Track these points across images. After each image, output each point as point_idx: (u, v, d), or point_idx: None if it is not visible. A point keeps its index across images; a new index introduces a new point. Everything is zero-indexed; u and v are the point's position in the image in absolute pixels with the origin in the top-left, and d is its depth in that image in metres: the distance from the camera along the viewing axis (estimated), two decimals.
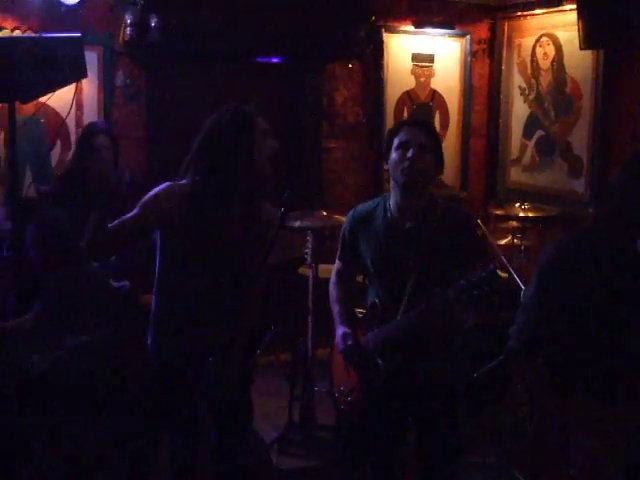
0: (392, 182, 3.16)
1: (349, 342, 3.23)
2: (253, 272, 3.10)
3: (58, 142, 5.40)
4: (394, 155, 3.09)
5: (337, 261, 3.51)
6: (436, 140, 3.17)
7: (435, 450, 3.21)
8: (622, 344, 2.62)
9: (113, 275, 4.66)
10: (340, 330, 3.31)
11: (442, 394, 3.18)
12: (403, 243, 3.12)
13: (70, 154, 5.14)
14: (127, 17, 5.17)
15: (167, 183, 3.23)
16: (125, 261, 4.73)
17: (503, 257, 4.87)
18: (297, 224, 4.81)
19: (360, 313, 3.51)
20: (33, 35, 4.95)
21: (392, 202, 3.17)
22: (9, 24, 5.11)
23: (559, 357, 2.74)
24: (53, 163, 5.42)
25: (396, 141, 3.10)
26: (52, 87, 4.42)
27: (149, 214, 3.15)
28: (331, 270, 3.59)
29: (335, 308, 3.43)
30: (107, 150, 4.73)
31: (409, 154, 3.03)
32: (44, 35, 4.55)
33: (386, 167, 3.16)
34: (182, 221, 3.13)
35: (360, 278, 4.01)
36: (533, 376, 2.82)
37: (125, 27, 5.21)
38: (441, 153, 3.18)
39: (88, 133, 4.81)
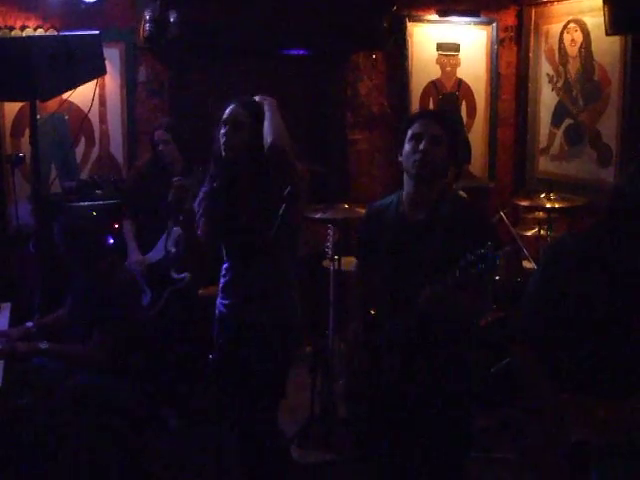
0: (405, 174, 3.13)
1: (359, 339, 3.22)
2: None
3: (82, 138, 5.46)
4: (407, 147, 3.06)
5: (357, 259, 3.51)
6: (451, 132, 3.11)
7: (444, 445, 3.17)
8: (625, 340, 2.57)
9: (175, 266, 4.89)
10: (351, 326, 3.32)
11: (454, 392, 3.14)
12: (414, 235, 3.09)
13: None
14: (146, 13, 5.18)
15: None
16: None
17: (526, 250, 4.81)
18: (318, 216, 4.80)
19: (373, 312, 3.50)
20: (51, 33, 5.01)
21: (405, 195, 3.15)
22: (32, 23, 5.16)
23: (556, 350, 2.70)
24: (77, 158, 5.48)
25: (409, 132, 3.07)
26: (71, 85, 4.46)
27: None
28: (354, 262, 3.60)
29: (352, 305, 3.44)
30: (165, 144, 4.94)
31: (421, 146, 3.00)
32: (62, 33, 4.60)
33: (400, 159, 3.12)
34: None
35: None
36: (527, 366, 2.78)
37: (145, 23, 5.22)
38: (456, 145, 3.14)
39: (152, 129, 5.05)
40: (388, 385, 3.12)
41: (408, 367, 3.08)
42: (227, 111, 3.36)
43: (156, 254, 4.91)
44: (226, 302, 3.55)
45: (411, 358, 3.08)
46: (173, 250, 4.83)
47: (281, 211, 3.06)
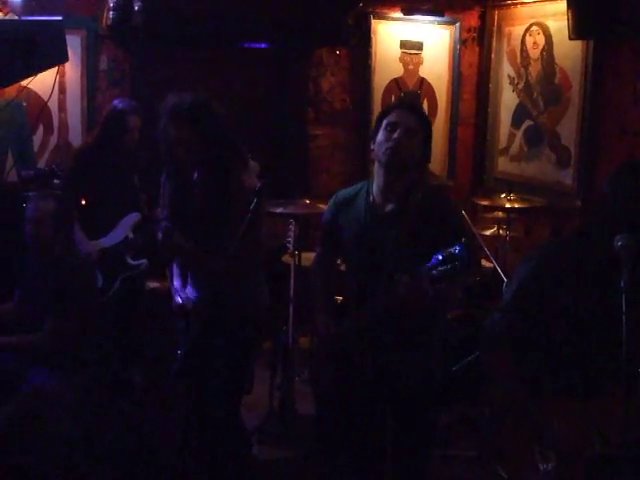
0: (376, 164, 3.12)
1: (330, 330, 3.21)
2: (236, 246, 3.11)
3: (40, 126, 5.35)
4: (380, 135, 3.05)
5: (318, 247, 3.49)
6: (425, 125, 3.11)
7: (409, 441, 3.19)
8: (599, 345, 2.63)
9: (132, 252, 4.84)
10: (321, 318, 3.29)
11: (419, 386, 3.15)
12: (383, 226, 3.09)
13: (96, 130, 5.01)
14: (110, 0, 5.10)
15: None
16: (145, 241, 4.84)
17: (486, 248, 4.85)
18: (279, 211, 4.78)
19: (339, 301, 3.49)
20: (12, 18, 4.89)
21: (375, 185, 3.14)
22: None
23: (532, 355, 2.75)
24: (35, 147, 5.37)
25: (385, 121, 3.06)
26: (32, 71, 4.36)
27: None
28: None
29: (315, 296, 3.41)
30: (138, 131, 4.82)
31: (395, 135, 2.99)
32: (24, 18, 4.50)
33: (372, 147, 3.11)
34: None
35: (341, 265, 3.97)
36: (501, 367, 2.83)
37: (108, 10, 5.14)
38: (429, 139, 3.12)
39: (122, 112, 4.79)
40: (359, 375, 3.12)
41: (378, 356, 3.09)
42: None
43: (111, 239, 4.81)
44: (195, 295, 3.54)
45: (380, 347, 3.09)
46: (131, 236, 4.79)
47: (252, 206, 3.04)
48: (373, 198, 3.14)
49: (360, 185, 3.25)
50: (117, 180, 4.78)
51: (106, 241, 4.78)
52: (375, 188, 3.14)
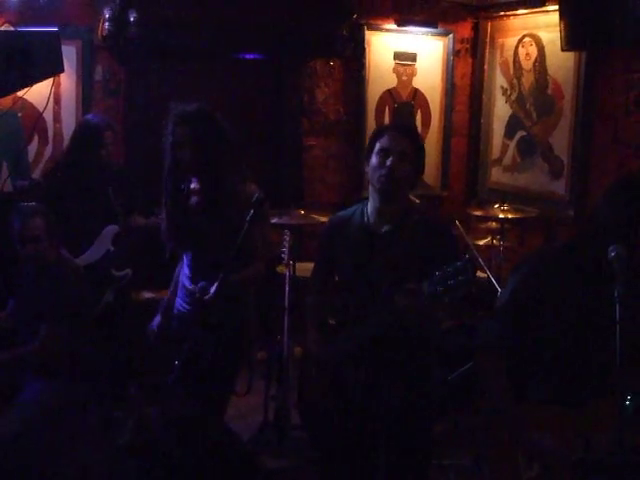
0: (370, 187, 3.14)
1: (320, 349, 3.24)
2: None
3: (35, 137, 5.36)
4: (374, 160, 3.06)
5: (314, 267, 3.51)
6: (418, 148, 3.11)
7: (405, 455, 3.18)
8: (586, 353, 2.66)
9: (115, 264, 4.89)
10: (312, 336, 3.33)
11: (415, 403, 3.16)
12: (378, 247, 3.11)
13: (67, 145, 5.07)
14: (105, 12, 5.13)
15: None
16: (126, 251, 4.95)
17: (480, 259, 4.87)
18: (274, 221, 4.79)
19: (333, 321, 3.51)
20: (7, 29, 4.90)
21: (370, 207, 3.16)
22: None
23: (521, 360, 2.78)
24: (30, 157, 5.37)
25: (377, 145, 3.06)
26: (27, 82, 4.35)
27: None
28: (309, 268, 3.60)
29: (308, 315, 3.45)
30: (112, 145, 4.91)
31: (388, 162, 2.99)
32: (19, 29, 4.50)
33: (366, 170, 3.13)
34: None
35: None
36: (493, 374, 2.86)
37: (104, 22, 5.17)
38: (422, 160, 3.13)
39: (97, 127, 4.85)
40: (353, 395, 3.13)
41: (375, 376, 3.09)
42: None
43: (93, 255, 4.85)
44: (187, 305, 3.57)
45: (378, 366, 3.09)
46: (112, 249, 4.84)
47: (248, 217, 3.06)
48: (368, 219, 3.16)
49: (356, 207, 3.27)
50: (93, 195, 4.84)
51: (88, 257, 4.83)
52: (370, 209, 3.16)
